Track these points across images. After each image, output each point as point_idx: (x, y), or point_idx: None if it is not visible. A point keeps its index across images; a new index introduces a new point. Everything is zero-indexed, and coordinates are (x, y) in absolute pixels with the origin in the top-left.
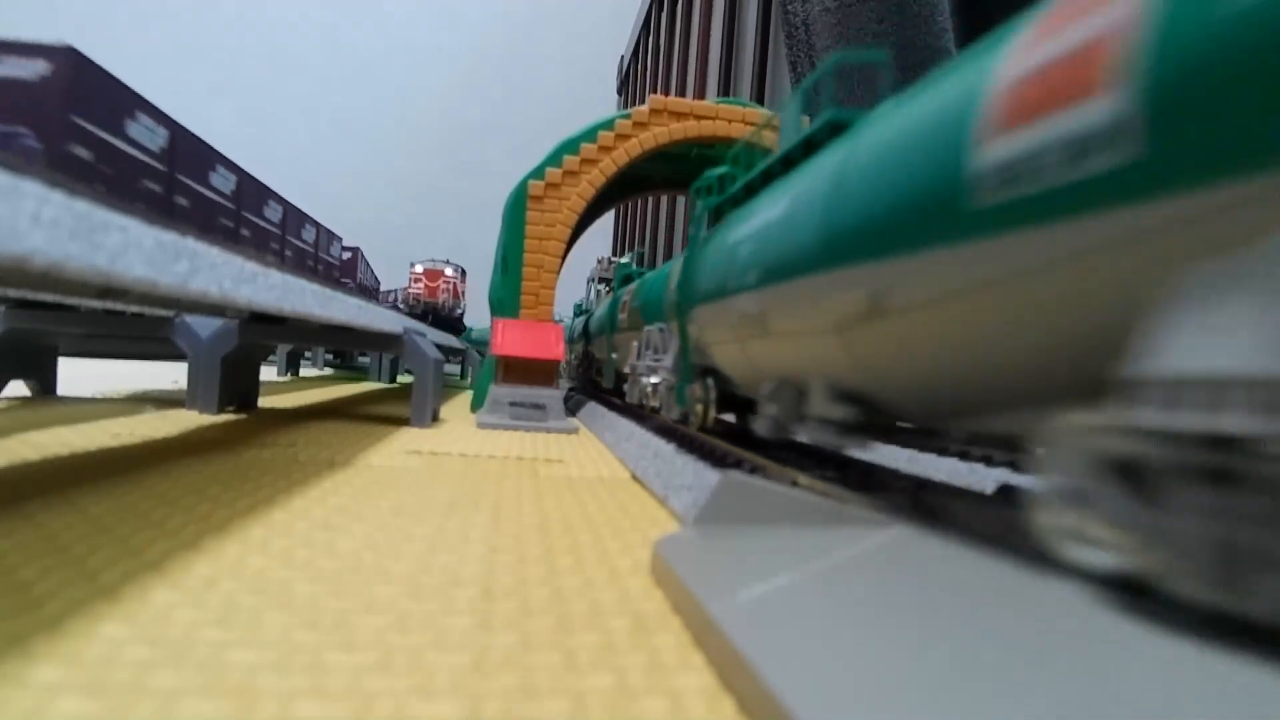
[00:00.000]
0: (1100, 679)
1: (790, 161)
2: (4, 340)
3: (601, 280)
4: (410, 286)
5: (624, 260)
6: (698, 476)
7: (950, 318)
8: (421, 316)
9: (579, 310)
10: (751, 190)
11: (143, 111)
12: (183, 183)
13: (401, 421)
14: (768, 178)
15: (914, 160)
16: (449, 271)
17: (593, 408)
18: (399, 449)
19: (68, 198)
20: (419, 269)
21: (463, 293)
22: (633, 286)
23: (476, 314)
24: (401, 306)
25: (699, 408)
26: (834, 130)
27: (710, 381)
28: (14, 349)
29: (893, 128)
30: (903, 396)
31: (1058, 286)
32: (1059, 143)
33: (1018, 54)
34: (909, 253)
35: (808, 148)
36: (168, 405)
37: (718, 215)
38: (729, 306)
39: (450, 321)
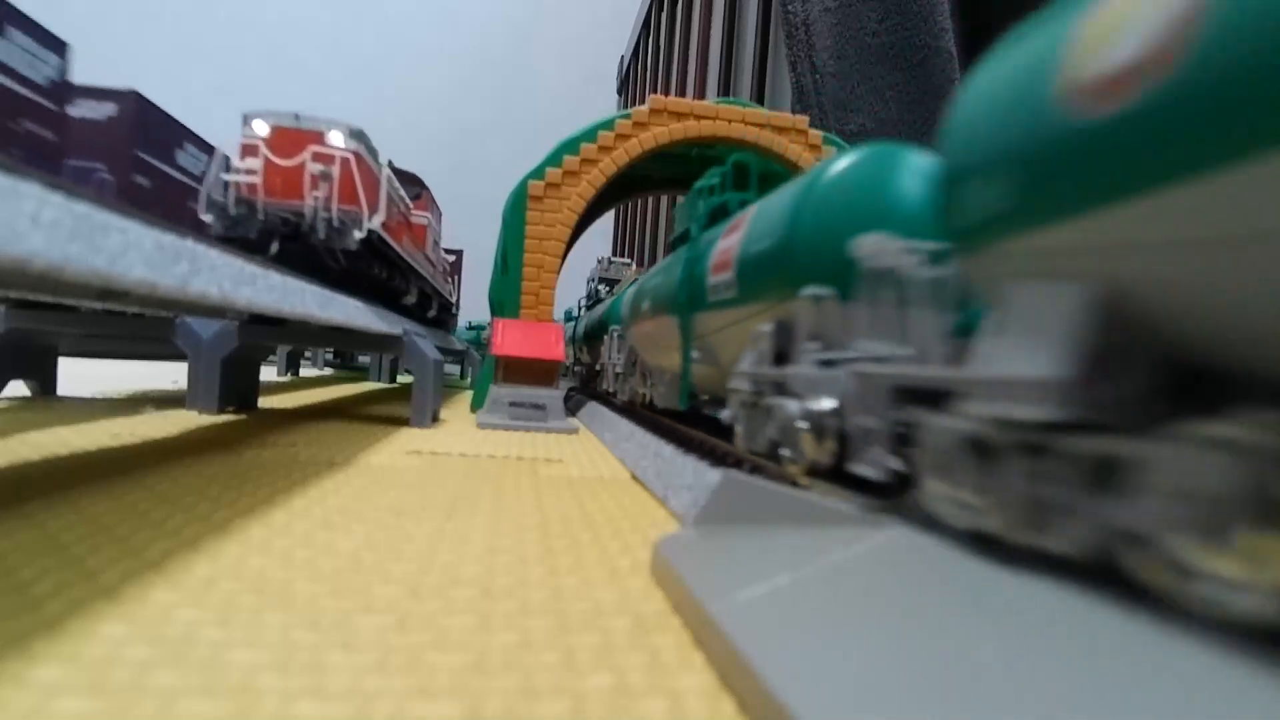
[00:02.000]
0: (1096, 679)
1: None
2: (4, 340)
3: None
4: (235, 168)
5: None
6: (698, 476)
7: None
8: (260, 245)
9: (569, 315)
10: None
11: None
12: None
13: (401, 422)
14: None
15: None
16: (335, 140)
17: (593, 408)
18: (399, 449)
19: (67, 199)
20: (260, 129)
21: (393, 205)
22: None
23: (476, 309)
24: (206, 217)
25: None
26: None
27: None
28: (14, 349)
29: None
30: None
31: None
32: None
33: None
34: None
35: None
36: (168, 405)
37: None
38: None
39: (340, 261)
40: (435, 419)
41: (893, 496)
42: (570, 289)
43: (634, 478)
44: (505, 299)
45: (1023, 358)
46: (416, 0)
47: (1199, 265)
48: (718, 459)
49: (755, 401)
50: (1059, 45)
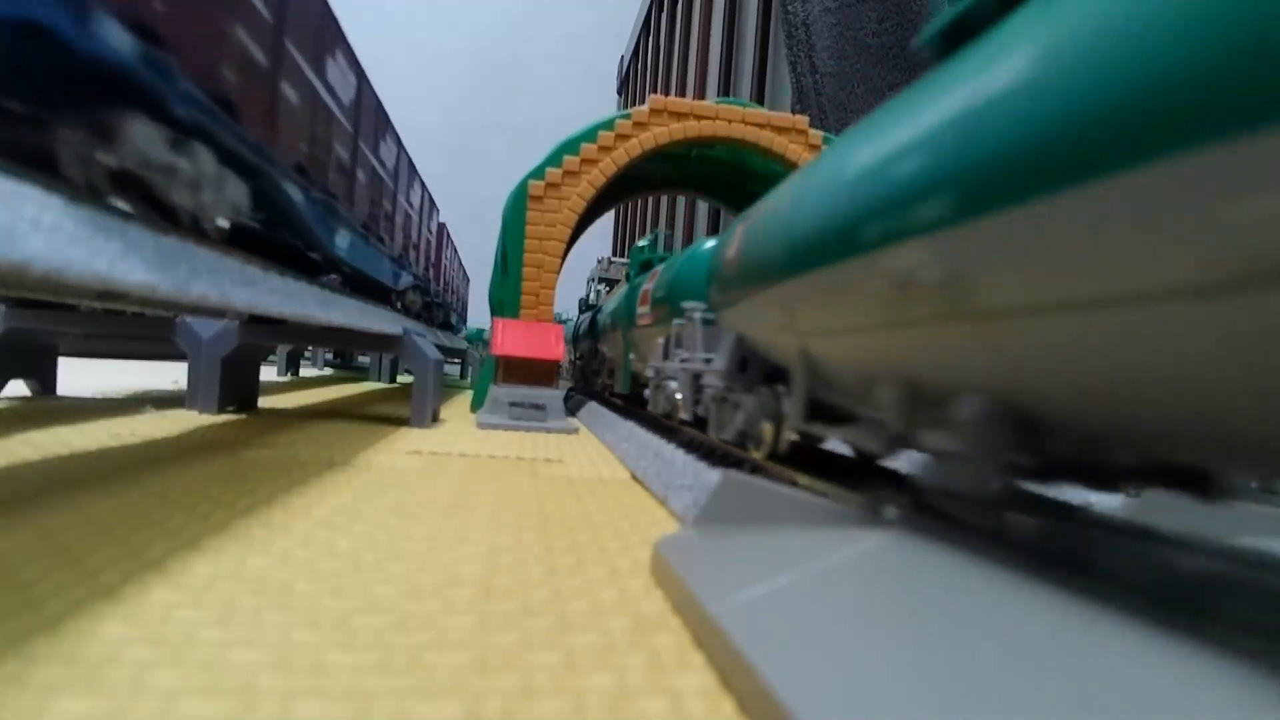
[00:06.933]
0: (1094, 679)
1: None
2: (4, 340)
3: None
4: None
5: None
6: (698, 476)
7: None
8: None
9: (559, 318)
10: (593, 308)
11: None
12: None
13: (401, 421)
14: (590, 308)
15: None
16: None
17: (593, 408)
18: (399, 449)
19: (68, 203)
20: None
21: None
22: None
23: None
24: None
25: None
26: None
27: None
28: (14, 349)
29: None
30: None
31: None
32: None
33: None
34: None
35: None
36: (168, 405)
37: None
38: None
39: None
40: (435, 419)
41: (889, 493)
42: (570, 289)
43: (634, 478)
44: (505, 299)
45: (721, 361)
46: (416, 0)
47: (759, 330)
48: (718, 459)
49: (659, 383)
50: (725, 240)
